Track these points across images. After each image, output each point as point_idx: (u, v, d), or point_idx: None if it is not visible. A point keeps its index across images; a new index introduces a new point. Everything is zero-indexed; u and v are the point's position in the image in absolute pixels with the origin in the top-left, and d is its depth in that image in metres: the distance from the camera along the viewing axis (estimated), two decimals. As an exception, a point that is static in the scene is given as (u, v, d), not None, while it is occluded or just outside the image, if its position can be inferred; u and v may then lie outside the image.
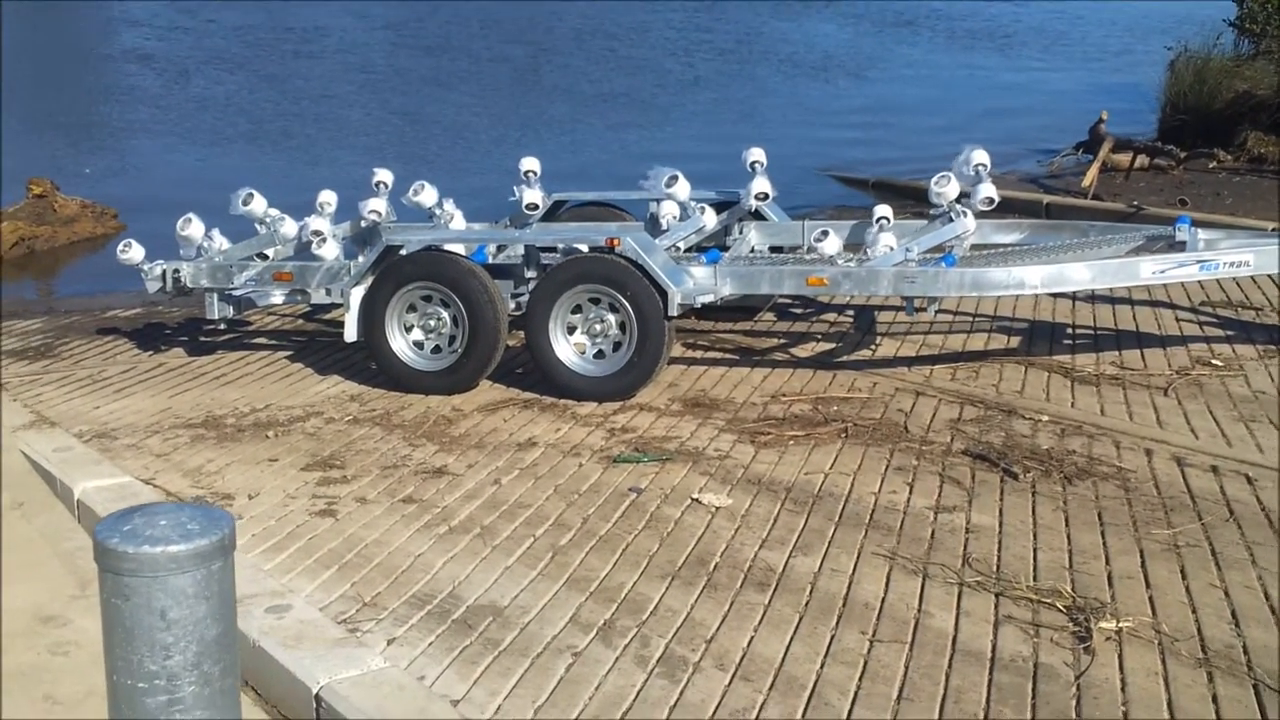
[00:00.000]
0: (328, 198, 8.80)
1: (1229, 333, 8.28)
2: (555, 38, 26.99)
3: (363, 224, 8.78)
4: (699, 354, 8.21)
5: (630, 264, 7.21)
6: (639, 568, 5.20)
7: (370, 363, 7.83)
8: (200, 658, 2.84)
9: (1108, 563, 5.16)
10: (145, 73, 22.44)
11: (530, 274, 7.96)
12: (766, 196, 8.53)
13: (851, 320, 8.87)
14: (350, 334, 7.67)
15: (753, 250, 8.54)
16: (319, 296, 8.14)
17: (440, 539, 5.52)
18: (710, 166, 11.16)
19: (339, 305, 7.94)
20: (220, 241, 8.59)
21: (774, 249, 8.66)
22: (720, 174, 9.81)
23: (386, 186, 8.92)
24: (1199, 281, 8.72)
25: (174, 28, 26.69)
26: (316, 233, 8.28)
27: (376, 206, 8.71)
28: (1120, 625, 4.62)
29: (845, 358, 8.05)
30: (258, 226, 8.65)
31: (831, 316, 8.98)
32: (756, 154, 8.70)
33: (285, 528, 5.67)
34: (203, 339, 9.01)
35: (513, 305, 7.85)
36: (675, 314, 7.21)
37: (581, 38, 26.95)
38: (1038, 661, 4.41)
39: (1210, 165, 14.21)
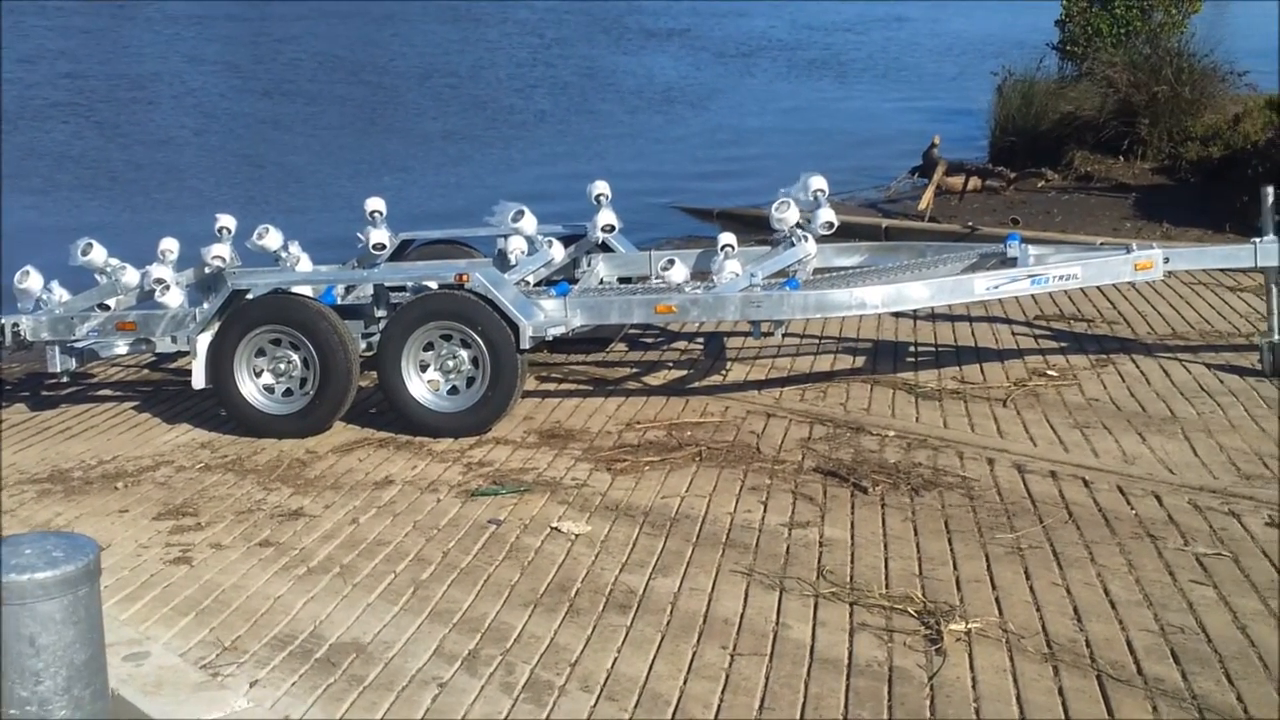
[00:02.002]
0: (169, 245, 8.66)
1: (1062, 344, 8.60)
2: (395, 77, 26.89)
3: (206, 270, 8.69)
4: (553, 386, 8.27)
5: (480, 299, 7.25)
6: (501, 597, 5.24)
7: (220, 409, 7.74)
8: (71, 682, 2.86)
9: (955, 568, 5.34)
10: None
11: (380, 313, 7.95)
12: (613, 228, 8.65)
13: (701, 347, 9.02)
14: (198, 381, 7.58)
15: (601, 282, 8.65)
16: (164, 345, 8.03)
17: (299, 580, 5.50)
18: (556, 201, 11.27)
19: (185, 353, 7.84)
20: (60, 293, 8.42)
21: (622, 280, 8.77)
22: (566, 208, 9.91)
23: (229, 231, 8.84)
24: (1032, 296, 9.04)
25: None
26: (159, 280, 8.17)
27: (220, 252, 8.62)
28: (969, 626, 4.79)
29: (697, 384, 8.18)
30: (98, 276, 8.51)
31: (682, 344, 9.11)
32: (601, 187, 8.82)
33: (140, 577, 5.59)
34: (45, 393, 8.82)
35: (364, 345, 7.84)
36: (527, 347, 7.27)
37: (423, 76, 26.90)
38: (892, 665, 4.55)
39: (1040, 185, 14.68)
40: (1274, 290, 7.82)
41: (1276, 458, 6.43)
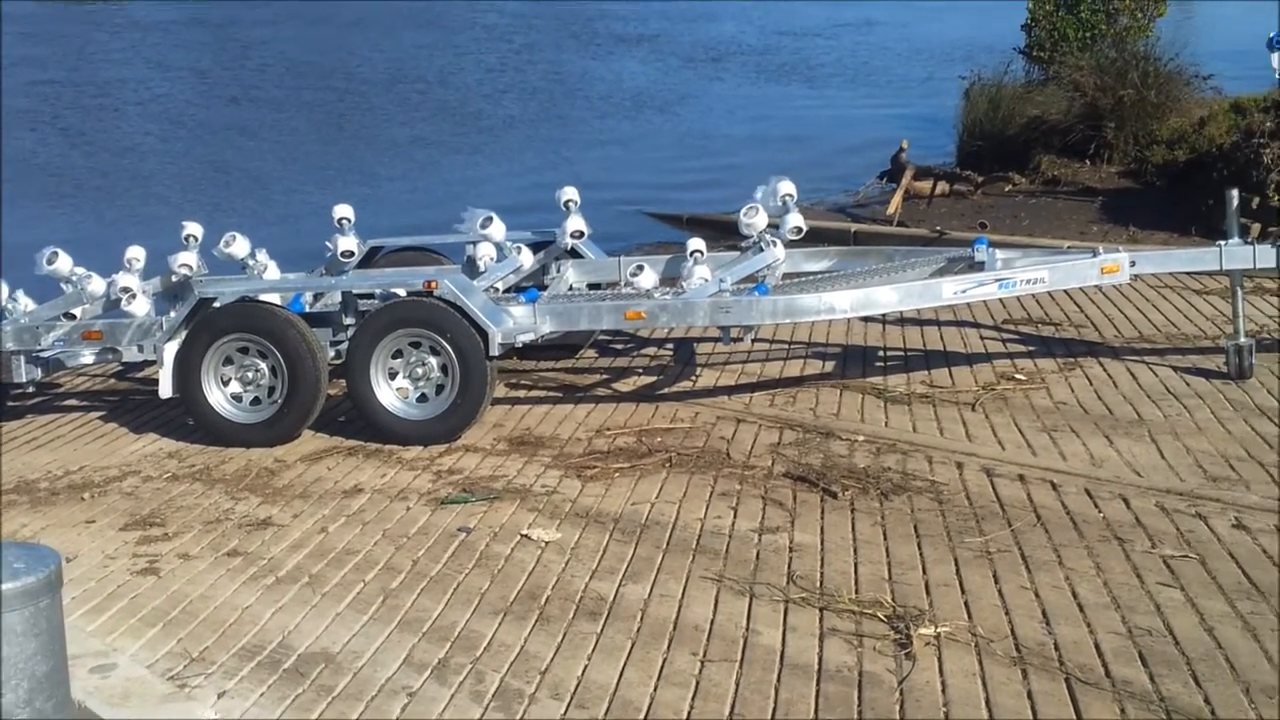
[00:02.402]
0: (136, 253, 8.59)
1: (1030, 348, 8.63)
2: (363, 83, 26.83)
3: (173, 278, 8.63)
4: (522, 393, 8.25)
5: (449, 306, 7.24)
6: (471, 605, 5.23)
7: (188, 418, 7.70)
8: (32, 694, 2.85)
9: (925, 572, 5.35)
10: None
11: (349, 321, 7.93)
12: (582, 234, 8.64)
13: (671, 353, 9.02)
14: (165, 390, 7.54)
15: (571, 288, 8.64)
16: (131, 354, 7.99)
17: (268, 590, 5.48)
18: (525, 207, 11.26)
19: (152, 362, 7.80)
20: (25, 302, 8.37)
21: (592, 286, 8.76)
22: (535, 214, 9.90)
23: (196, 239, 8.78)
24: (999, 299, 9.05)
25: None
26: (126, 289, 8.13)
27: (187, 260, 8.57)
28: (939, 630, 4.80)
29: (667, 390, 8.18)
30: (64, 286, 8.45)
31: (652, 350, 9.11)
32: (570, 193, 8.81)
33: (106, 588, 5.56)
34: (10, 404, 8.74)
35: (332, 353, 7.80)
36: (496, 354, 7.26)
37: (391, 82, 26.84)
38: (862, 670, 4.56)
39: (1007, 189, 14.72)
40: (1239, 293, 7.88)
41: (1242, 460, 6.47)
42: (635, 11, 38.36)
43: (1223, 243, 7.90)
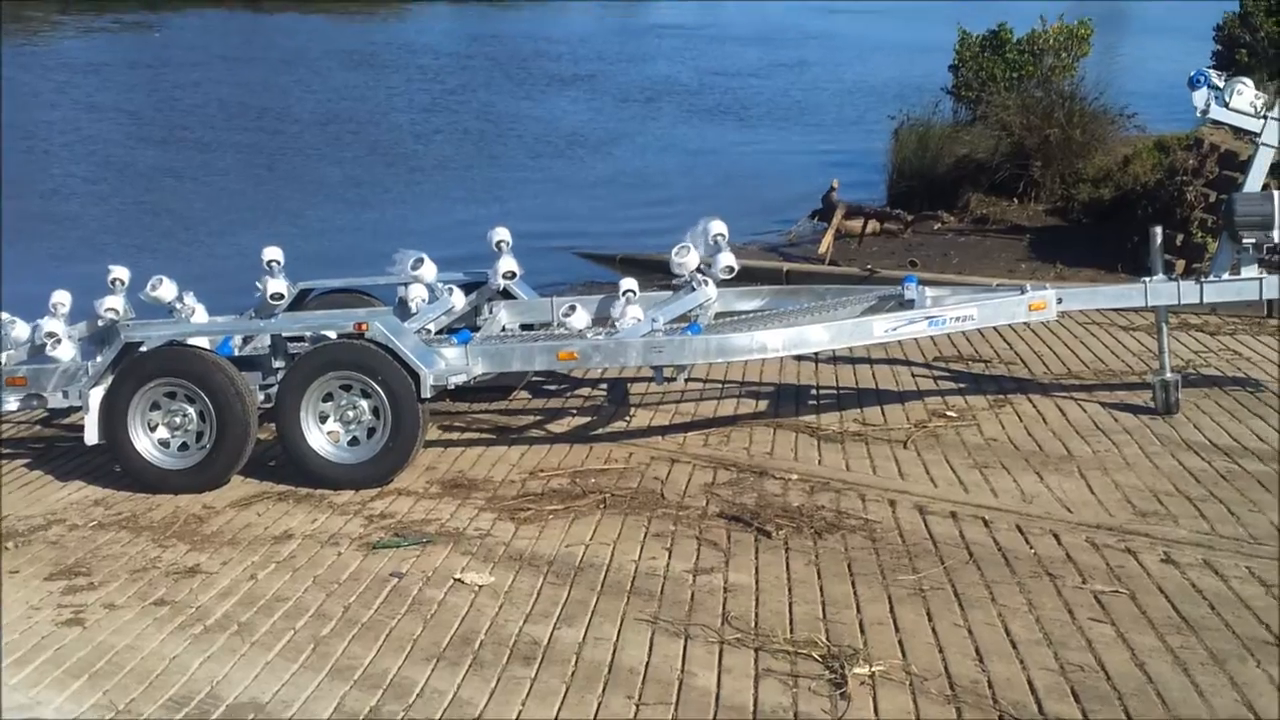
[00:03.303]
0: (61, 298, 8.48)
1: (961, 385, 8.70)
2: (294, 123, 26.69)
3: (99, 323, 8.52)
4: (455, 435, 8.21)
5: (380, 348, 7.19)
6: (403, 652, 5.17)
7: (115, 465, 7.58)
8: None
9: (859, 610, 5.36)
10: None
11: (278, 364, 7.85)
12: (514, 275, 8.64)
13: (605, 394, 9.00)
14: (91, 437, 7.42)
15: (504, 329, 8.62)
16: (56, 400, 7.84)
17: (196, 639, 5.39)
18: (456, 248, 11.21)
19: (78, 408, 7.68)
20: (-53, 348, 8.22)
21: (525, 326, 8.75)
22: (467, 255, 9.87)
23: (123, 283, 8.66)
24: (930, 337, 9.12)
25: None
26: (50, 334, 8.02)
27: (113, 304, 8.46)
28: (873, 669, 4.81)
29: (600, 430, 8.16)
30: (-13, 331, 8.32)
31: (585, 391, 9.09)
32: (502, 234, 8.81)
33: (30, 640, 5.45)
34: (-68, 451, 8.59)
35: (262, 397, 7.72)
36: (429, 396, 7.21)
37: (323, 122, 26.73)
38: (797, 711, 4.56)
39: (937, 227, 14.86)
40: (1164, 329, 7.98)
41: (1170, 495, 6.54)
42: (570, 51, 38.51)
43: (1148, 279, 8.00)
